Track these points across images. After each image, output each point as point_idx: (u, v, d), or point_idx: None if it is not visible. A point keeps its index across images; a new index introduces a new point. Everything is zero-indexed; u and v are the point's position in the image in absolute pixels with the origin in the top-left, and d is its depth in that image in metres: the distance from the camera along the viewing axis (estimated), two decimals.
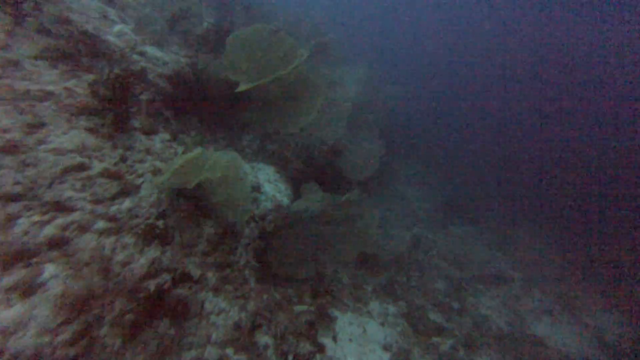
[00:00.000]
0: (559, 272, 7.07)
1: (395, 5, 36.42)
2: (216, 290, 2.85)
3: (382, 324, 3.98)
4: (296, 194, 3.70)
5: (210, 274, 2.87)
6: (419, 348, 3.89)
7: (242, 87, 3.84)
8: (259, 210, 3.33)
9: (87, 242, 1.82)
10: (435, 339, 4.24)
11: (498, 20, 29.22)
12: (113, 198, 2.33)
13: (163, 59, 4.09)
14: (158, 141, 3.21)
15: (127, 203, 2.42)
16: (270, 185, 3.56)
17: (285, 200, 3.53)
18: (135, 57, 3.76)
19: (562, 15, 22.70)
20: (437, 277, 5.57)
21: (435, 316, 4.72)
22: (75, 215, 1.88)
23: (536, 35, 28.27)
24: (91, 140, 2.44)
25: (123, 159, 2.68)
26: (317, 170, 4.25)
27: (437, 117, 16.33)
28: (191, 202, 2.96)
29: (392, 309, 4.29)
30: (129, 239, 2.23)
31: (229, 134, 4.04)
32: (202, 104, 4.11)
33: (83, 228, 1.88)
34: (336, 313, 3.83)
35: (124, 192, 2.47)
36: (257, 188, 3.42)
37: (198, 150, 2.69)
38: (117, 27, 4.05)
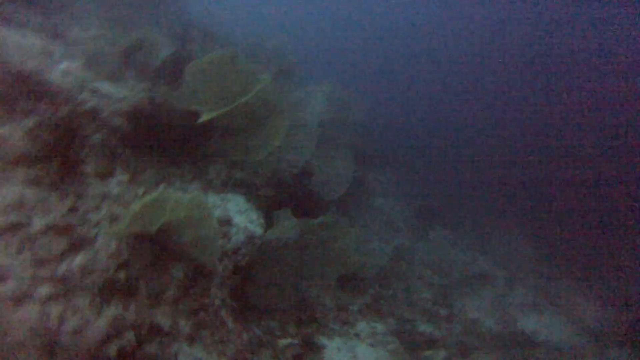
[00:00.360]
0: (537, 265, 7.31)
1: (360, 18, 37.51)
2: (191, 339, 2.63)
3: (372, 345, 3.86)
4: (269, 222, 3.58)
5: (182, 322, 2.65)
6: None
7: (204, 117, 3.72)
8: (231, 244, 3.16)
9: (24, 316, 1.60)
10: (427, 353, 4.17)
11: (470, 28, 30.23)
12: (61, 256, 2.10)
13: (118, 94, 3.89)
14: (115, 184, 2.99)
15: (79, 259, 2.20)
16: (241, 216, 3.41)
17: (258, 230, 3.39)
18: (84, 95, 3.54)
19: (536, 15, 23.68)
20: (422, 287, 5.55)
21: (425, 327, 4.66)
22: (9, 286, 1.65)
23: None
24: (31, 193, 2.21)
25: (73, 210, 2.45)
26: (289, 194, 4.16)
27: (410, 125, 16.78)
28: (156, 247, 2.76)
29: (380, 327, 4.18)
30: (82, 301, 2.00)
31: (195, 167, 3.87)
32: (163, 138, 3.93)
33: (19, 299, 1.65)
34: (323, 340, 3.67)
35: (75, 247, 2.24)
36: (227, 221, 3.27)
37: (156, 192, 2.53)
38: (64, 65, 3.82)
